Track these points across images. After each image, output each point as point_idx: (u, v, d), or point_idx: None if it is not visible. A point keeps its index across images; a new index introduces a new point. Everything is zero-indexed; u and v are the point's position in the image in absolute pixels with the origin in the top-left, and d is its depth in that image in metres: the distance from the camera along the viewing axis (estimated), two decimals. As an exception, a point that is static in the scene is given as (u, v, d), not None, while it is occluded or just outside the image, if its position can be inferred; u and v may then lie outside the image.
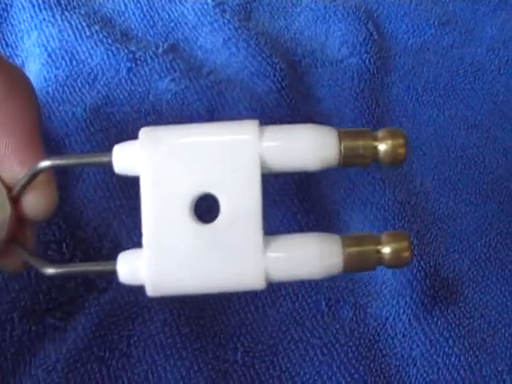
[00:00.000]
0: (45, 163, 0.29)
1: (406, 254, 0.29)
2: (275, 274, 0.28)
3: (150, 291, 0.28)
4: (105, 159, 0.29)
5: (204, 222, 0.28)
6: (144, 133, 0.28)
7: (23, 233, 0.31)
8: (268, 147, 0.28)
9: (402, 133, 0.29)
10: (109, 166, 0.29)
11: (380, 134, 0.29)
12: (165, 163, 0.28)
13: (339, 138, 0.28)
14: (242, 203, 0.28)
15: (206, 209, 0.29)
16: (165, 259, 0.28)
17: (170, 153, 0.28)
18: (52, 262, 0.30)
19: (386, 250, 0.29)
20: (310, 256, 0.28)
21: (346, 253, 0.29)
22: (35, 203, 0.30)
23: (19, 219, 0.30)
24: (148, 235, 0.28)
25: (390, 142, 0.28)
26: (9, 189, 0.30)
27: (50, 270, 0.30)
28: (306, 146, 0.28)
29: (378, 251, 0.29)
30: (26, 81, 0.32)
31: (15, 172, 0.29)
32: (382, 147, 0.28)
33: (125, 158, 0.28)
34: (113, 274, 0.29)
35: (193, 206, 0.28)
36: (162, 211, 0.28)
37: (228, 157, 0.28)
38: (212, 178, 0.28)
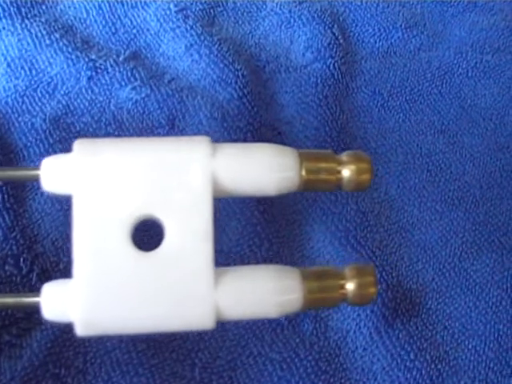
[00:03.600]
0: None
1: (372, 290, 0.27)
2: (227, 313, 0.26)
3: (80, 330, 0.25)
4: (31, 173, 0.26)
5: (145, 250, 0.25)
6: (79, 144, 0.25)
7: None
8: (221, 167, 0.25)
9: (367, 157, 0.27)
10: (37, 182, 0.25)
11: (344, 157, 0.27)
12: (102, 181, 0.24)
13: (300, 159, 0.26)
14: (192, 229, 0.25)
15: (144, 235, 0.26)
16: (99, 293, 0.24)
17: (108, 169, 0.25)
18: None
19: (350, 285, 0.27)
20: (265, 292, 0.26)
21: (306, 288, 0.27)
22: None
23: None
24: (80, 264, 0.24)
25: (354, 166, 0.26)
26: None
27: None
28: (264, 167, 0.26)
29: (342, 286, 0.27)
30: None
31: None
32: (346, 172, 0.27)
33: (55, 172, 0.25)
34: (36, 308, 0.25)
35: (132, 231, 0.25)
36: (97, 236, 0.24)
37: (176, 176, 0.25)
38: (157, 200, 0.25)
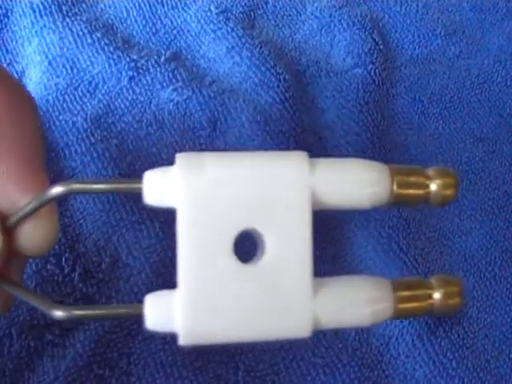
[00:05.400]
0: (57, 190, 0.25)
1: (457, 300, 0.28)
2: (323, 322, 0.26)
3: (184, 340, 0.25)
4: (134, 186, 0.25)
5: (245, 260, 0.25)
6: (182, 159, 0.25)
7: (8, 269, 0.28)
8: (320, 182, 0.26)
9: (453, 172, 0.28)
10: (137, 195, 0.25)
11: (431, 172, 0.28)
12: (207, 194, 0.25)
13: (391, 174, 0.27)
14: (291, 242, 0.25)
15: (242, 247, 0.26)
16: (202, 304, 0.25)
17: (213, 183, 0.25)
18: (59, 303, 0.26)
19: (437, 295, 0.28)
20: (359, 301, 0.27)
21: (397, 297, 0.27)
22: (34, 236, 0.27)
23: (9, 253, 0.27)
24: (184, 276, 0.25)
25: (440, 181, 0.27)
26: (2, 218, 0.26)
27: (59, 314, 0.25)
28: (358, 182, 0.26)
29: (430, 296, 0.28)
30: (27, 98, 0.29)
31: (13, 200, 0.26)
32: (433, 187, 0.27)
33: (159, 186, 0.25)
34: (138, 318, 0.25)
35: (234, 244, 0.25)
36: (201, 248, 0.25)
37: (276, 190, 0.25)
38: (258, 214, 0.25)
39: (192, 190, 0.25)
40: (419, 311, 0.28)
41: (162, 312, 0.25)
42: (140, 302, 0.26)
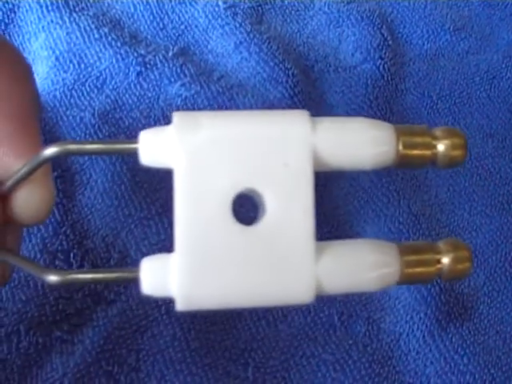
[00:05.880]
0: (51, 150, 0.24)
1: (467, 265, 0.27)
2: (327, 287, 0.25)
3: (181, 305, 0.24)
4: (129, 146, 0.25)
5: (245, 224, 0.24)
6: (179, 117, 0.24)
7: (4, 238, 0.27)
8: (321, 141, 0.25)
9: (461, 133, 0.27)
10: (133, 155, 0.24)
11: (438, 132, 0.26)
12: (204, 153, 0.24)
13: (396, 134, 0.26)
14: (293, 202, 0.24)
15: (241, 209, 0.25)
16: (200, 267, 0.24)
17: (210, 141, 0.24)
18: (55, 269, 0.26)
19: (446, 259, 0.27)
20: (364, 265, 0.25)
21: (403, 262, 0.26)
22: (29, 201, 0.26)
23: (4, 221, 0.26)
24: (181, 238, 0.24)
25: (448, 141, 0.26)
26: None
27: (53, 278, 0.25)
28: (362, 141, 0.25)
29: (438, 261, 0.27)
30: (18, 57, 0.28)
31: (6, 164, 0.25)
32: (441, 147, 0.26)
33: (156, 145, 0.24)
34: (134, 282, 0.24)
35: (232, 204, 0.24)
36: (198, 210, 0.24)
37: (277, 150, 0.24)
38: (258, 173, 0.24)
39: (189, 149, 0.24)
40: (427, 276, 0.27)
41: (158, 276, 0.24)
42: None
